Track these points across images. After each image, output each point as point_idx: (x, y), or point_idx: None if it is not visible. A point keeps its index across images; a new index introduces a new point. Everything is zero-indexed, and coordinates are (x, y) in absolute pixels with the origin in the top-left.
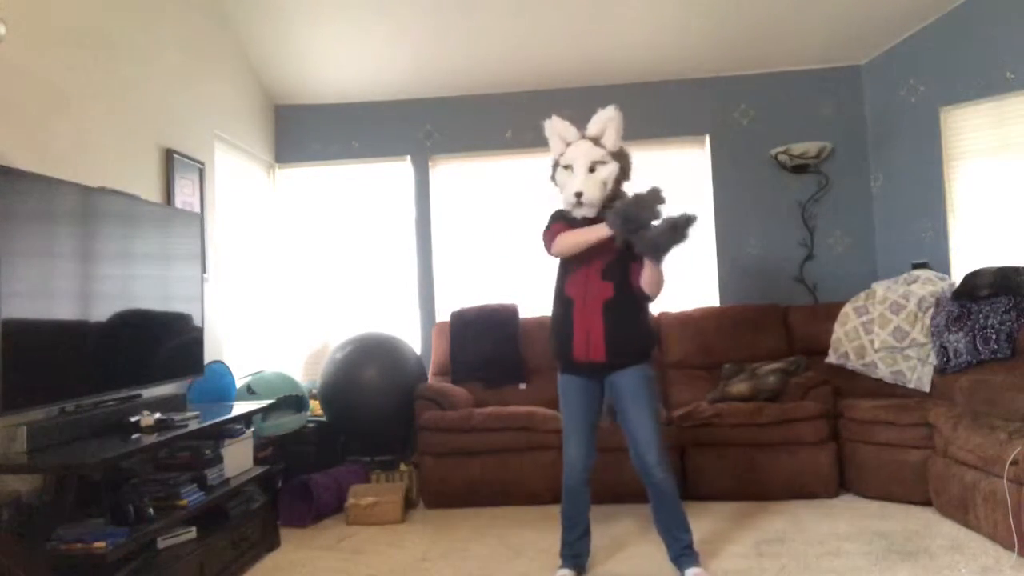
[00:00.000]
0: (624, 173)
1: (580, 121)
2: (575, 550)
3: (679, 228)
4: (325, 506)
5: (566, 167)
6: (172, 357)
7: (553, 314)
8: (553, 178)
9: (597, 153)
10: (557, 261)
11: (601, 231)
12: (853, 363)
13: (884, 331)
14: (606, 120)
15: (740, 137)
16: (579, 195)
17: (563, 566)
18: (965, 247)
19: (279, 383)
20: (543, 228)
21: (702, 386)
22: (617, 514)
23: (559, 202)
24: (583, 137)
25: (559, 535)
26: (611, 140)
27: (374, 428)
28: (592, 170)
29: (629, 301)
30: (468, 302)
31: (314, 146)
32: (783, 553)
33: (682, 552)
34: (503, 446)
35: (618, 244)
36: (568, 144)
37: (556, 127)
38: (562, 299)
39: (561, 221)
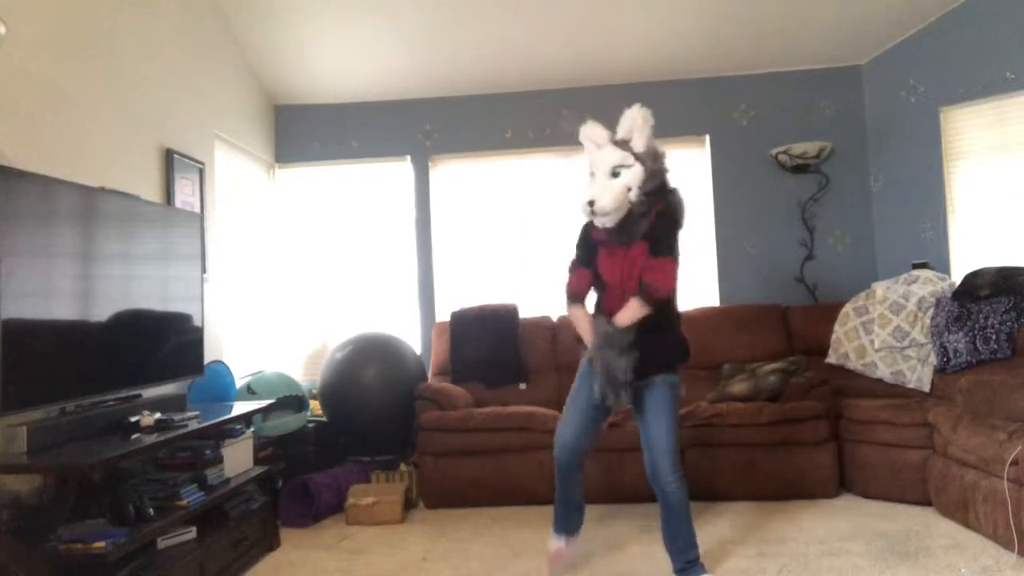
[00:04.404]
0: (654, 175)
1: (583, 119)
2: (567, 520)
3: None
4: (325, 506)
5: (592, 174)
6: (172, 357)
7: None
8: None
9: (618, 156)
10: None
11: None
12: (853, 363)
13: (884, 331)
14: (631, 120)
15: (740, 137)
16: (591, 203)
17: (554, 532)
18: (965, 247)
19: (279, 383)
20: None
21: (702, 386)
22: (616, 514)
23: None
24: (612, 141)
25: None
26: (639, 141)
27: (374, 428)
28: (616, 175)
29: (659, 312)
30: (468, 302)
31: (314, 146)
32: (783, 553)
33: (686, 566)
34: (503, 446)
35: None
36: (600, 149)
37: (589, 134)
38: (600, 309)
39: (580, 252)
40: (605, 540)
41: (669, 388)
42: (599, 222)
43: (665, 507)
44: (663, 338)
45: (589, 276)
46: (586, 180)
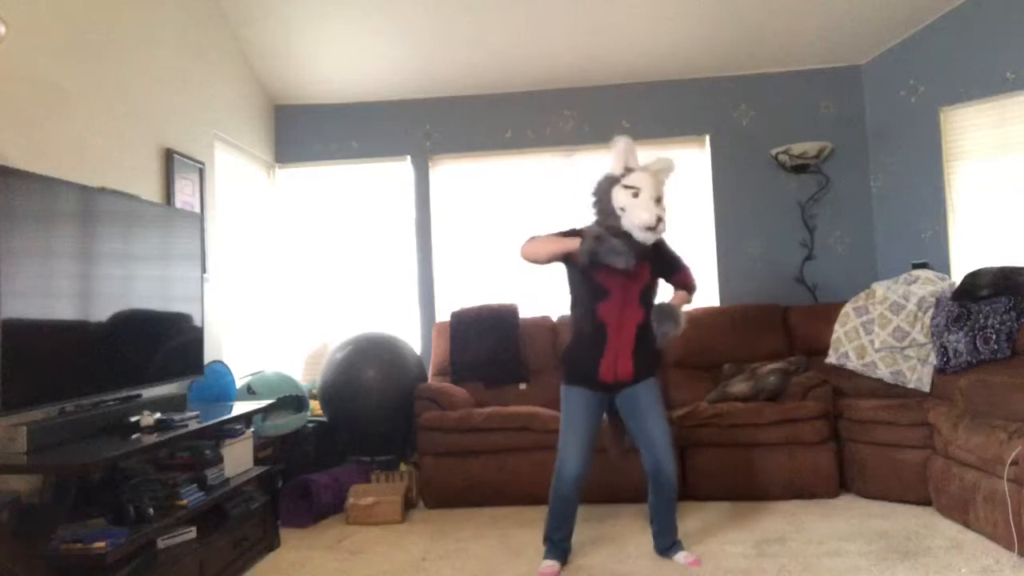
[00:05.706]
0: None
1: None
2: (561, 547)
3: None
4: (325, 506)
5: (628, 188)
6: (172, 357)
7: (578, 334)
8: (604, 192)
9: (662, 188)
10: (570, 276)
11: (569, 244)
12: (853, 363)
13: (884, 331)
14: (631, 150)
15: (740, 137)
16: (660, 220)
17: (548, 557)
18: (965, 247)
19: (279, 383)
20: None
21: (702, 386)
22: (614, 513)
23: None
24: (644, 169)
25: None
26: None
27: (374, 428)
28: (657, 201)
29: (649, 322)
30: (468, 302)
31: (314, 146)
32: (783, 553)
33: (671, 544)
34: (503, 446)
35: (581, 261)
36: (630, 169)
37: (627, 148)
38: (594, 323)
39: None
40: (606, 540)
41: (658, 388)
42: (647, 238)
43: (666, 497)
44: (650, 345)
45: None
46: (620, 193)
